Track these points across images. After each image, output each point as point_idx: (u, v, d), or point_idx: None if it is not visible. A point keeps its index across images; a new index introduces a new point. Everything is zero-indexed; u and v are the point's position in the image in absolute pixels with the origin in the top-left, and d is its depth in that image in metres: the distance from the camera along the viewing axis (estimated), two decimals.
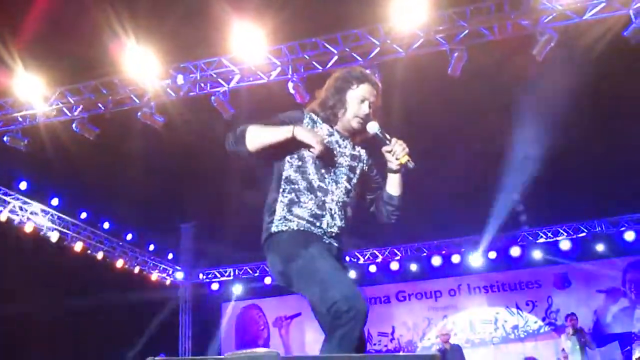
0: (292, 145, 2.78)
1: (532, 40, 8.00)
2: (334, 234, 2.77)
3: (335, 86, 2.96)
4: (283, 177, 2.83)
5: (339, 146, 2.90)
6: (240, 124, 2.84)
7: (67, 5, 8.58)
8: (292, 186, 2.80)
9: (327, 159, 2.81)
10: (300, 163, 2.82)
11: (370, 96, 2.91)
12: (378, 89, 2.96)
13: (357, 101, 2.89)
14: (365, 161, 2.99)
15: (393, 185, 2.89)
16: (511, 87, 9.79)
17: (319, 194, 2.77)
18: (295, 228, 2.72)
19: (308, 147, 2.72)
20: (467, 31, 8.13)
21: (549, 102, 9.63)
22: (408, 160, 2.78)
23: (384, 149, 2.82)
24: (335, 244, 2.78)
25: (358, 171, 2.93)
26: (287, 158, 2.84)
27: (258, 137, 2.75)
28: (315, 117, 2.93)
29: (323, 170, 2.81)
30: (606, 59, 8.66)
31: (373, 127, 2.84)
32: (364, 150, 3.00)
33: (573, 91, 9.14)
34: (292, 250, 2.66)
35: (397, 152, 2.78)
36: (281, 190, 2.82)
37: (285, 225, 2.73)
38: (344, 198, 2.82)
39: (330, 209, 2.77)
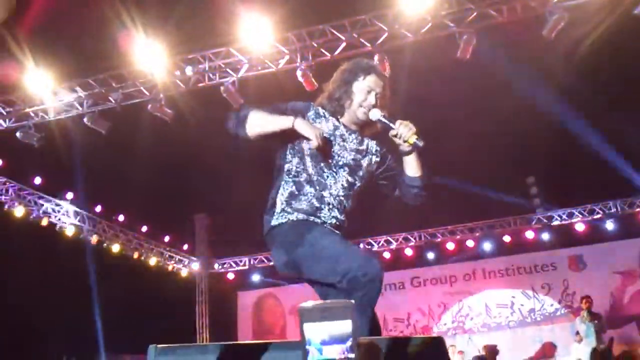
0: (292, 137, 2.78)
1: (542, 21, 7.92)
2: (333, 226, 2.79)
3: (341, 78, 2.96)
4: (284, 170, 2.85)
5: (344, 140, 2.89)
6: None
7: None
8: (292, 179, 2.82)
9: (326, 153, 2.81)
10: (300, 156, 2.83)
11: (376, 87, 2.90)
12: (385, 80, 2.96)
13: (364, 92, 2.88)
14: (376, 153, 2.98)
15: (411, 167, 2.86)
16: (522, 67, 9.70)
17: (317, 187, 2.78)
18: (295, 219, 2.74)
19: (307, 140, 2.72)
20: (475, 13, 8.06)
21: (558, 82, 9.54)
22: (417, 139, 2.75)
23: (390, 133, 2.81)
24: (336, 232, 2.80)
25: (365, 165, 2.92)
26: (288, 151, 2.86)
27: (259, 123, 2.77)
28: (321, 111, 2.93)
29: (322, 164, 2.81)
30: (617, 38, 8.57)
31: (375, 114, 2.84)
32: (374, 142, 2.99)
33: (582, 70, 9.05)
34: (295, 237, 2.69)
35: (403, 134, 2.75)
36: (282, 183, 2.84)
37: (285, 218, 2.76)
38: (343, 192, 2.82)
39: (329, 203, 2.78)
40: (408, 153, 2.83)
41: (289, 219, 2.75)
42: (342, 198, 2.82)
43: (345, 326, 1.28)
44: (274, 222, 2.78)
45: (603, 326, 9.91)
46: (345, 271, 2.45)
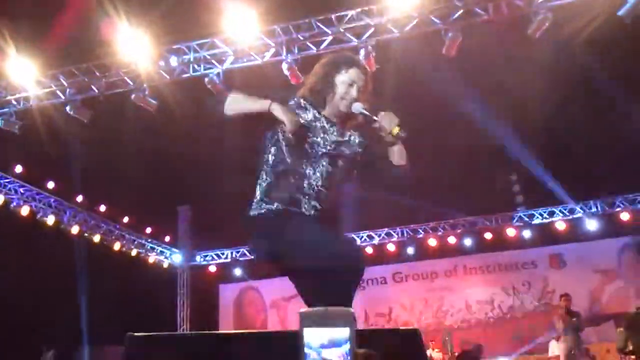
0: (269, 121, 2.78)
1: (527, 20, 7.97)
2: (313, 217, 2.77)
3: (323, 71, 2.96)
4: (264, 160, 2.86)
5: (324, 132, 2.88)
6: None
7: None
8: (271, 169, 2.82)
9: (303, 142, 2.81)
10: (278, 146, 2.83)
11: (358, 80, 2.90)
12: (367, 73, 2.97)
13: (345, 85, 2.88)
14: (357, 145, 2.97)
15: (395, 157, 2.87)
16: (505, 67, 9.76)
17: (296, 177, 2.78)
18: (274, 209, 2.74)
19: (283, 125, 2.73)
20: (461, 11, 8.09)
21: (542, 82, 9.61)
22: (399, 130, 2.77)
23: (373, 125, 2.82)
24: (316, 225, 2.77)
25: (345, 156, 2.92)
26: (267, 141, 2.87)
27: (236, 103, 2.80)
28: (302, 102, 2.92)
29: (302, 154, 2.81)
30: (602, 39, 8.64)
31: (357, 107, 2.85)
32: (356, 134, 2.98)
33: (565, 71, 9.12)
34: (276, 226, 2.69)
35: (385, 126, 2.77)
36: (262, 173, 2.84)
37: (264, 208, 2.76)
38: (322, 182, 2.81)
39: (308, 193, 2.77)
40: (392, 144, 2.84)
41: (267, 209, 2.74)
42: (321, 188, 2.80)
43: (343, 332, 1.30)
44: (252, 212, 2.78)
45: (581, 324, 9.99)
46: (328, 256, 2.47)
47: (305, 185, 2.77)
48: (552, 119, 10.35)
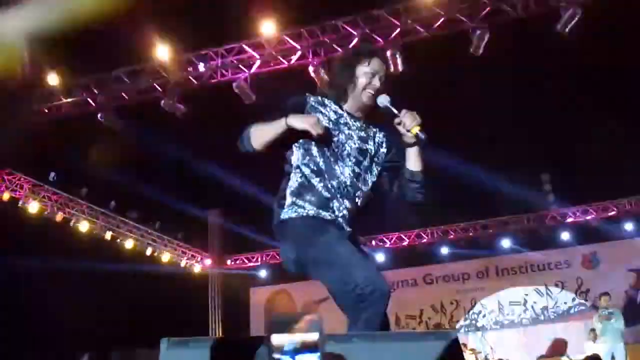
0: (294, 134, 2.70)
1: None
2: (345, 218, 2.70)
3: (344, 63, 2.89)
4: (292, 164, 2.78)
5: (348, 127, 2.80)
6: (260, 114, 2.81)
7: None
8: (300, 172, 2.74)
9: (331, 142, 2.74)
10: (306, 148, 2.75)
11: (380, 71, 2.81)
12: (388, 65, 2.91)
13: (368, 76, 2.79)
14: (381, 141, 2.89)
15: (412, 161, 2.76)
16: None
17: (326, 177, 2.70)
18: (305, 214, 2.66)
19: (306, 133, 2.65)
20: (489, 9, 8.01)
21: (571, 81, 9.47)
22: (420, 131, 2.66)
23: (395, 121, 2.72)
24: (348, 229, 2.71)
25: (371, 152, 2.84)
26: (295, 145, 2.78)
27: (260, 136, 2.70)
28: (322, 99, 2.84)
29: (329, 154, 2.73)
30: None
31: (383, 100, 2.75)
32: (380, 131, 2.90)
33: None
34: (306, 236, 2.62)
35: (406, 124, 2.67)
36: (290, 176, 2.77)
37: (295, 212, 2.68)
38: (353, 181, 2.73)
39: (339, 194, 2.69)
40: (410, 145, 2.74)
41: (299, 213, 2.67)
42: (350, 188, 2.73)
43: (313, 337, 1.32)
44: (284, 216, 2.71)
45: (621, 324, 9.79)
46: (353, 284, 2.39)
47: (335, 184, 2.70)
48: (586, 117, 10.19)
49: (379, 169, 2.88)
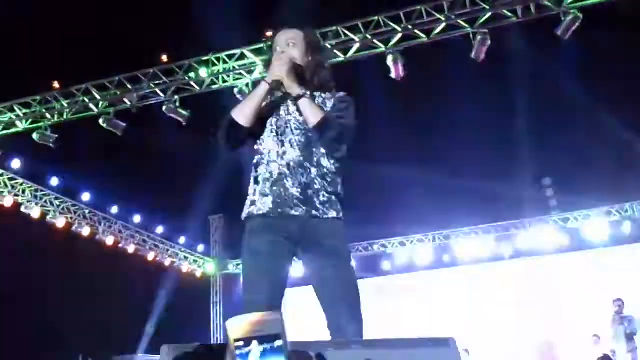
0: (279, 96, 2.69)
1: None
2: (296, 200, 2.56)
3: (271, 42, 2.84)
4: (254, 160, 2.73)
5: (286, 105, 2.70)
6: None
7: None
8: (257, 161, 2.68)
9: (274, 120, 2.67)
10: (261, 134, 2.68)
11: (287, 40, 2.72)
12: (298, 33, 2.75)
13: (276, 53, 2.71)
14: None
15: (305, 116, 2.59)
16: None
17: (277, 159, 2.60)
18: (255, 213, 2.61)
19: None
20: (489, 14, 8.03)
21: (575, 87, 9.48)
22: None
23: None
24: (298, 213, 2.55)
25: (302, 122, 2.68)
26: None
27: (242, 108, 2.63)
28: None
29: (278, 133, 2.64)
30: None
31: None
32: (323, 97, 2.72)
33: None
34: (242, 246, 2.64)
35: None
36: (252, 169, 2.72)
37: (247, 210, 2.66)
38: (302, 155, 2.60)
39: (288, 173, 2.58)
40: (295, 100, 2.62)
41: (249, 213, 2.64)
42: (302, 161, 2.59)
43: (276, 338, 1.27)
44: (242, 216, 2.71)
45: (633, 329, 9.70)
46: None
47: (283, 164, 2.59)
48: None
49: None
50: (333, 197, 2.60)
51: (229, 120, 2.61)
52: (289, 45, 2.70)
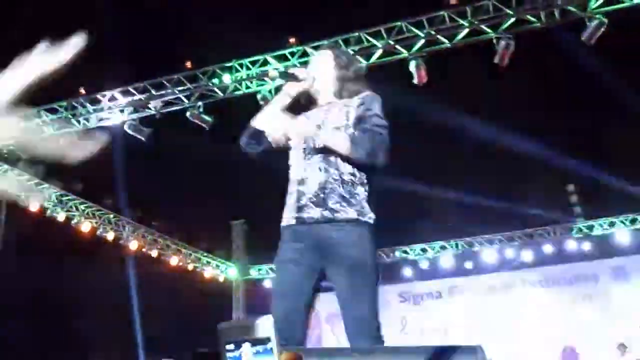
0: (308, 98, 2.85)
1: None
2: (317, 203, 2.60)
3: None
4: None
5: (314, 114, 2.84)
6: None
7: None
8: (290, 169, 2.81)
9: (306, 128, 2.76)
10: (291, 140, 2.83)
11: (317, 62, 2.94)
12: (327, 53, 2.95)
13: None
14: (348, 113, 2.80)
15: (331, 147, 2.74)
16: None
17: (299, 166, 2.72)
18: (284, 222, 2.70)
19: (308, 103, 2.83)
20: (513, 19, 7.97)
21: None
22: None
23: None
24: (320, 217, 2.59)
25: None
26: None
27: (262, 113, 2.83)
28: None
29: (303, 140, 2.74)
30: None
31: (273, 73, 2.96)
32: (348, 105, 2.78)
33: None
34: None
35: None
36: None
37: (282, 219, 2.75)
38: (321, 160, 2.66)
39: (307, 177, 2.66)
40: None
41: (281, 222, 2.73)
42: (320, 165, 2.66)
43: (268, 340, 1.28)
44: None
45: None
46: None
47: (305, 166, 2.71)
48: (614, 125, 10.07)
49: None
50: (351, 199, 2.60)
51: (251, 125, 2.80)
52: (320, 64, 2.89)
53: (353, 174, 2.65)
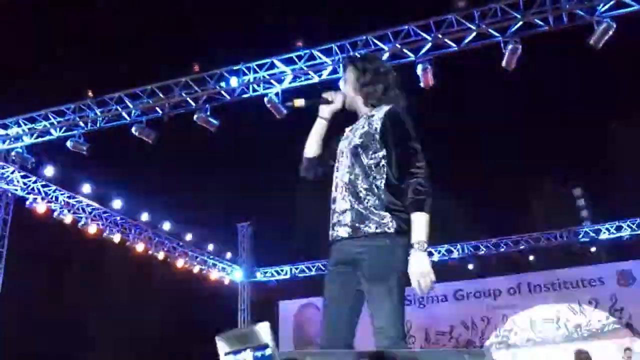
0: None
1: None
2: (341, 221, 2.66)
3: None
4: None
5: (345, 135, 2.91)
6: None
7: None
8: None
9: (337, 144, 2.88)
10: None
11: (343, 81, 3.01)
12: (350, 69, 2.98)
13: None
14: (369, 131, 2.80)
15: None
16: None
17: (334, 183, 2.79)
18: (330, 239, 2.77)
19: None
20: (521, 23, 7.96)
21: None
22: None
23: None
24: (346, 235, 2.63)
25: (364, 145, 2.73)
26: None
27: (306, 143, 2.95)
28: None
29: (337, 159, 2.83)
30: None
31: (299, 102, 2.98)
32: (370, 121, 2.78)
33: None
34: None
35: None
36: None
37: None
38: (348, 176, 2.70)
39: (338, 195, 2.72)
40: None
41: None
42: (348, 182, 2.70)
43: (266, 347, 1.27)
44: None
45: None
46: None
47: (337, 181, 2.79)
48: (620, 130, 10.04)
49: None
50: (375, 211, 2.59)
51: (303, 156, 2.96)
52: (345, 82, 2.98)
53: (369, 189, 2.65)
